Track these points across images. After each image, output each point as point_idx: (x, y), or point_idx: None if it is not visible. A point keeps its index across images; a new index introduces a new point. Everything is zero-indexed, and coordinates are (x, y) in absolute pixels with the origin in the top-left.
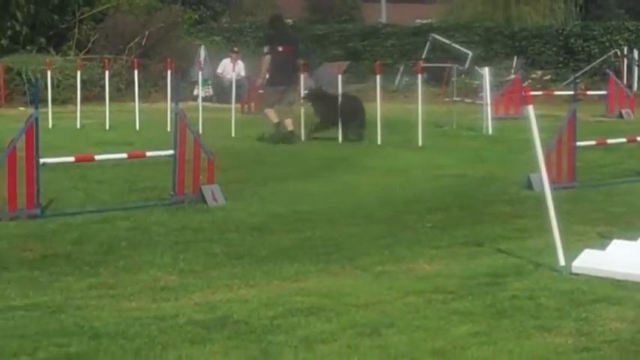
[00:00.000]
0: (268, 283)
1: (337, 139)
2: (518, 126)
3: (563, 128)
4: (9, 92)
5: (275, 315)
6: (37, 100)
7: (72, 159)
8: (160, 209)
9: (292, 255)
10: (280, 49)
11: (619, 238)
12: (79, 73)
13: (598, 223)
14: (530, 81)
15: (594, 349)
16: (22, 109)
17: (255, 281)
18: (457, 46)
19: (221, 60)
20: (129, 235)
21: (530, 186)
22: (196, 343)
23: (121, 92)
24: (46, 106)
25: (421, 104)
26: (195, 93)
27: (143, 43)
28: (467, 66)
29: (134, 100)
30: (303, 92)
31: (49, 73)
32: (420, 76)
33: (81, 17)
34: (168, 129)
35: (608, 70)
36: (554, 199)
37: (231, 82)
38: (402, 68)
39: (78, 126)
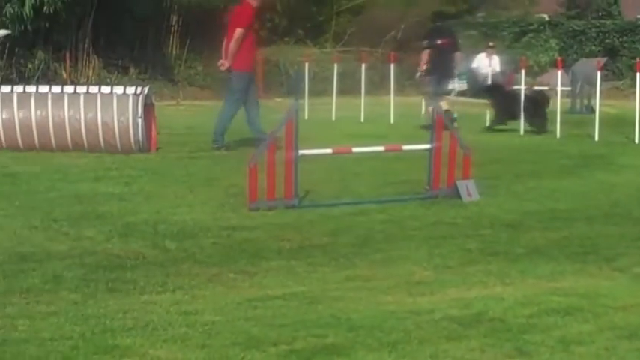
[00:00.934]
0: (523, 281)
1: (518, 130)
2: None
3: None
4: (267, 83)
5: (531, 314)
6: (297, 91)
7: (329, 151)
8: (415, 203)
9: (548, 254)
10: (439, 42)
11: None
12: (335, 65)
13: None
14: None
15: None
16: (278, 100)
17: (510, 279)
18: None
19: (477, 55)
20: (384, 228)
21: None
22: (452, 339)
23: (376, 85)
24: (303, 97)
25: None
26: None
27: (399, 37)
28: None
29: (389, 94)
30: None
31: (306, 65)
32: None
33: (339, 10)
34: (422, 122)
35: None
36: None
37: (486, 76)
38: None
39: (333, 118)
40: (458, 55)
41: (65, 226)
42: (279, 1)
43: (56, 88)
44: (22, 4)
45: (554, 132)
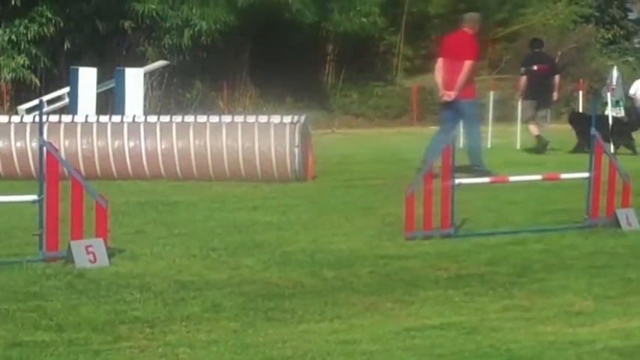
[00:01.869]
0: None
1: None
2: None
3: None
4: (421, 111)
5: None
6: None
7: (486, 180)
8: (573, 232)
9: None
10: (535, 67)
11: None
12: (491, 92)
13: None
14: None
15: None
16: (433, 128)
17: None
18: None
19: (634, 81)
20: (541, 257)
21: None
22: None
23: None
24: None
25: None
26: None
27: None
28: None
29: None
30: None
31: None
32: None
33: (494, 37)
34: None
35: None
36: None
37: None
38: None
39: (489, 145)
40: (557, 78)
41: (224, 255)
42: (433, 29)
43: (214, 118)
44: (181, 34)
45: None
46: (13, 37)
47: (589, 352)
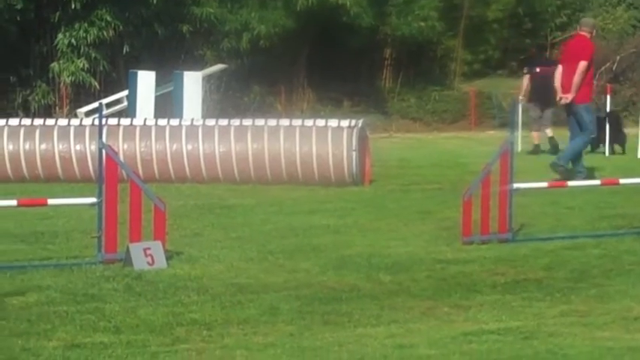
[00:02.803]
0: None
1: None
2: None
3: None
4: (479, 116)
5: None
6: (513, 124)
7: (544, 185)
8: (631, 237)
9: None
10: (538, 69)
11: None
12: None
13: None
14: None
15: None
16: (491, 132)
17: None
18: None
19: None
20: (599, 262)
21: None
22: None
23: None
24: (517, 130)
25: None
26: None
27: (614, 68)
28: None
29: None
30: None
31: (520, 97)
32: None
33: (553, 41)
34: (639, 155)
35: None
36: None
37: None
38: None
39: (546, 150)
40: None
41: (281, 259)
42: (492, 33)
43: (272, 121)
44: (239, 38)
45: None
46: (73, 40)
47: None
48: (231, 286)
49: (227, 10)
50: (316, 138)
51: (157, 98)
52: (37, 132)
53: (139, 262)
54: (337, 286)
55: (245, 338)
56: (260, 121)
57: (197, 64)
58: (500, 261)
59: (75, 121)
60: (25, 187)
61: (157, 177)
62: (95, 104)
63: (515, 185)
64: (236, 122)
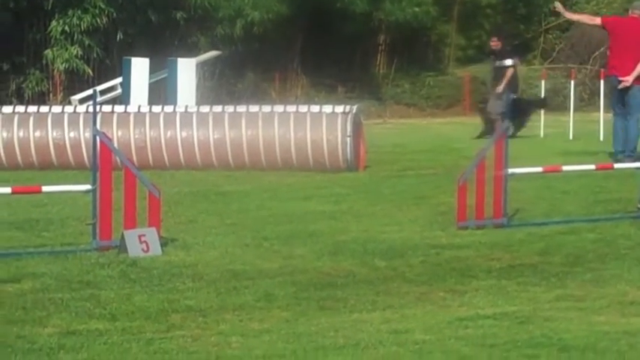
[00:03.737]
0: None
1: None
2: None
3: None
4: (473, 101)
5: None
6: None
7: (539, 169)
8: (626, 222)
9: None
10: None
11: None
12: (543, 82)
13: None
14: None
15: None
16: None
17: None
18: None
19: None
20: (595, 247)
21: None
22: None
23: (584, 102)
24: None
25: None
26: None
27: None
28: None
29: (598, 111)
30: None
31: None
32: None
33: (547, 27)
34: None
35: None
36: None
37: None
38: None
39: (541, 135)
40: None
41: (276, 245)
42: (486, 19)
43: (266, 108)
44: (233, 25)
45: None
46: (67, 27)
47: None
48: (227, 272)
49: None
50: (310, 124)
51: (150, 85)
52: (31, 119)
53: (134, 249)
54: (332, 271)
55: (240, 324)
56: (254, 108)
57: (191, 51)
58: (495, 246)
59: (69, 109)
60: (20, 175)
61: (151, 164)
62: (89, 91)
63: (510, 170)
64: (230, 109)
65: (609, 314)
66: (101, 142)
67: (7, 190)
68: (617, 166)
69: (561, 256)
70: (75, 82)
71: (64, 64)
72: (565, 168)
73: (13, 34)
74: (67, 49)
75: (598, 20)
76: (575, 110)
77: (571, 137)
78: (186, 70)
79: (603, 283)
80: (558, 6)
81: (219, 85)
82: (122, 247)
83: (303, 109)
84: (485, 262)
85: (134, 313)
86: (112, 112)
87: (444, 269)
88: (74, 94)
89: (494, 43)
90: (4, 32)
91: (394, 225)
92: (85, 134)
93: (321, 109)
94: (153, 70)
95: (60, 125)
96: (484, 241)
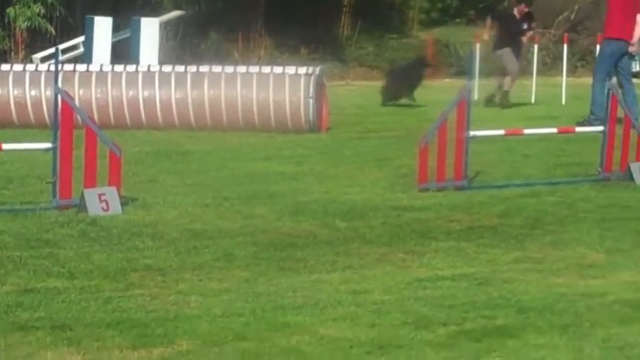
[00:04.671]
0: None
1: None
2: None
3: None
4: (436, 64)
5: None
6: (470, 72)
7: (501, 132)
8: (587, 185)
9: None
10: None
11: None
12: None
13: None
14: None
15: None
16: (447, 80)
17: None
18: None
19: None
20: (554, 210)
21: None
22: (624, 322)
23: (547, 66)
24: (474, 78)
25: None
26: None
27: (572, 17)
28: None
29: (560, 75)
30: None
31: (477, 45)
32: None
33: None
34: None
35: None
36: None
37: None
38: None
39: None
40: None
41: (236, 205)
42: None
43: (229, 68)
44: None
45: None
46: None
47: (600, 304)
48: (186, 232)
49: None
50: (273, 85)
51: (113, 44)
52: None
53: (94, 208)
54: (293, 232)
55: (200, 284)
56: (217, 68)
57: (154, 11)
58: (455, 208)
59: (30, 67)
60: None
61: (112, 123)
62: (51, 50)
63: (472, 133)
64: (193, 69)
65: (567, 276)
66: (62, 100)
67: None
68: (578, 129)
69: (521, 219)
70: (37, 40)
71: (26, 22)
72: (527, 131)
73: None
74: (29, 7)
75: None
76: (537, 74)
77: (533, 101)
78: (150, 29)
79: (562, 245)
80: None
81: (182, 45)
82: (82, 206)
83: (266, 69)
84: (445, 223)
85: (93, 271)
86: (74, 70)
87: (404, 231)
88: (36, 52)
89: (529, 8)
90: None
91: (355, 186)
92: (46, 92)
93: (284, 70)
94: (116, 29)
95: (21, 83)
96: (444, 203)
